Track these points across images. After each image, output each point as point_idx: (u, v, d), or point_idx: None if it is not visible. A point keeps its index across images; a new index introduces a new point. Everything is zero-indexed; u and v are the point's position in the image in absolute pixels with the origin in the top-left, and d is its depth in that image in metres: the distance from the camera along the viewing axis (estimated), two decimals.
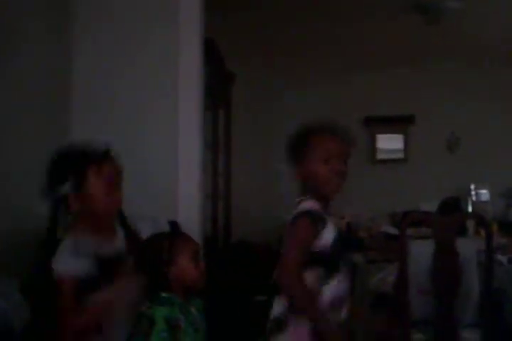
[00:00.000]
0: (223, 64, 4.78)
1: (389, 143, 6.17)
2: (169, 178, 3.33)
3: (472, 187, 5.67)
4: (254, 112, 6.11)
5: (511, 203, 5.69)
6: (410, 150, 6.07)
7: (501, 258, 3.72)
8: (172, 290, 1.82)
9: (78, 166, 1.84)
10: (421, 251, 3.12)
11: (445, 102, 5.98)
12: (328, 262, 1.83)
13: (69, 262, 1.82)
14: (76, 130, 3.32)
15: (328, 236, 1.82)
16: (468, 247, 3.48)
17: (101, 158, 1.86)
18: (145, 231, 2.31)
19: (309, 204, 1.85)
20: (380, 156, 6.13)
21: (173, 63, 3.37)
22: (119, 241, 2.01)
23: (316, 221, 1.81)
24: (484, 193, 5.70)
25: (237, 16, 4.75)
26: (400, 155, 6.02)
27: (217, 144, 4.71)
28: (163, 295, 1.81)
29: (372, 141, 6.20)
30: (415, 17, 4.70)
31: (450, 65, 5.87)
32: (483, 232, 3.60)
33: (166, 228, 2.71)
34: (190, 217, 3.28)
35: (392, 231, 4.10)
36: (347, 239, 1.93)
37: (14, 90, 2.74)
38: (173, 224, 2.94)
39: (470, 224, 4.18)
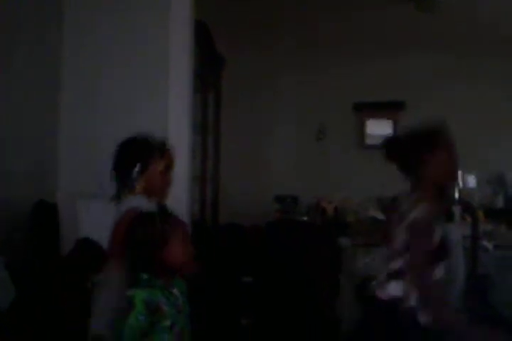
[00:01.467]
0: (214, 47, 4.75)
1: (378, 128, 6.18)
2: None
3: (459, 173, 5.70)
4: (244, 96, 6.08)
5: (498, 190, 5.73)
6: None
7: (487, 244, 3.75)
8: (156, 271, 1.81)
9: (145, 152, 2.22)
10: None
11: (435, 89, 5.98)
12: (437, 255, 2.11)
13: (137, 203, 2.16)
14: (65, 116, 3.32)
15: (437, 235, 2.07)
16: (455, 233, 3.51)
17: (162, 147, 2.24)
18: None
19: (428, 207, 2.07)
20: (369, 141, 6.14)
21: (164, 46, 3.35)
22: None
23: (434, 225, 2.06)
24: (471, 180, 5.73)
25: (230, 1, 4.71)
26: None
27: (207, 127, 4.70)
28: (145, 277, 1.80)
29: (362, 127, 6.21)
30: (406, 4, 4.69)
31: (441, 51, 5.86)
32: (469, 218, 3.63)
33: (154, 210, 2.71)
34: (179, 198, 3.27)
35: (380, 215, 4.12)
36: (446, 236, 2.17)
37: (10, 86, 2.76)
38: (162, 206, 2.95)
39: (456, 210, 4.21)
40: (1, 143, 2.68)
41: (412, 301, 2.09)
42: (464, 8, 4.86)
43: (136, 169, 2.20)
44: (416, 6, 4.65)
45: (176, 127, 3.37)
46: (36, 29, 3.07)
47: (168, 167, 2.27)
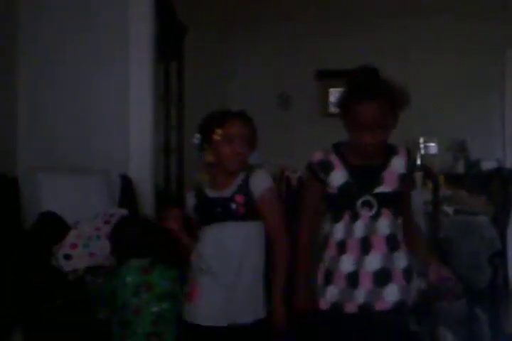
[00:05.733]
0: (175, 15, 4.66)
1: None
2: (121, 132, 3.29)
3: (421, 140, 5.79)
4: (207, 65, 6.02)
5: (458, 156, 5.85)
6: None
7: (447, 209, 3.85)
8: None
9: (207, 128, 2.14)
10: None
11: (399, 54, 6.00)
12: (334, 205, 1.86)
13: None
14: (23, 89, 3.24)
15: (335, 180, 1.86)
16: (416, 199, 3.58)
17: (222, 122, 2.11)
18: (96, 185, 2.29)
19: (313, 155, 1.99)
20: (332, 110, 6.17)
21: (123, 13, 3.28)
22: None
23: (316, 171, 1.90)
24: (432, 146, 5.83)
25: None
26: None
27: (170, 97, 4.64)
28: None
29: (325, 95, 6.22)
30: None
31: (407, 17, 5.86)
32: (430, 184, 3.70)
33: (117, 182, 2.70)
34: (142, 170, 3.26)
35: None
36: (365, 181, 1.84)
37: None
38: (124, 178, 2.92)
39: (418, 177, 4.28)
40: None
41: None
42: None
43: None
44: None
45: (138, 97, 3.33)
46: None
47: (235, 137, 2.13)
